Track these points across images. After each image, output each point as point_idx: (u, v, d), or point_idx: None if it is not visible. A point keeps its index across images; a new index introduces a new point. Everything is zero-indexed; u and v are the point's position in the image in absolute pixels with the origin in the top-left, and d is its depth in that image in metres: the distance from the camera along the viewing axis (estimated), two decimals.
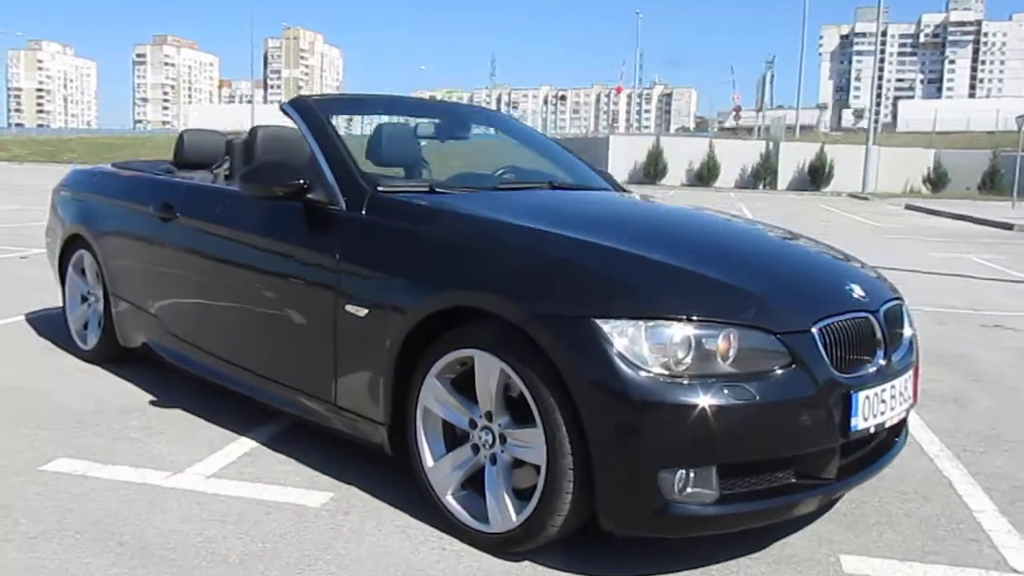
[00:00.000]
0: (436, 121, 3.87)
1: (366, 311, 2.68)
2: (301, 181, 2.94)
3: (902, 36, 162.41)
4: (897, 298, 2.78)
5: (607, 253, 2.44)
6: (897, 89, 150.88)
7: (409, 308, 2.54)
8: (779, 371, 2.21)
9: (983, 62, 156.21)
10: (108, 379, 4.12)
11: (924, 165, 37.50)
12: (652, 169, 38.40)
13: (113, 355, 4.26)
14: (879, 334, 2.50)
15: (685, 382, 2.13)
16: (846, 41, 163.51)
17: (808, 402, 2.23)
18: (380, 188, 2.94)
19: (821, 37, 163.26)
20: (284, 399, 3.10)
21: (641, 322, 2.18)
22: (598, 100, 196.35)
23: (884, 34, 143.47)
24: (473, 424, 2.48)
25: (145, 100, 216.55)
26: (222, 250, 3.36)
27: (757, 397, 2.15)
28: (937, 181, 36.75)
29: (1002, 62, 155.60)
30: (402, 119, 3.90)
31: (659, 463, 2.13)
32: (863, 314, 2.47)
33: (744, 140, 45.05)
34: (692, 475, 2.16)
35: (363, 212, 2.86)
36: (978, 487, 3.03)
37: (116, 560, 2.34)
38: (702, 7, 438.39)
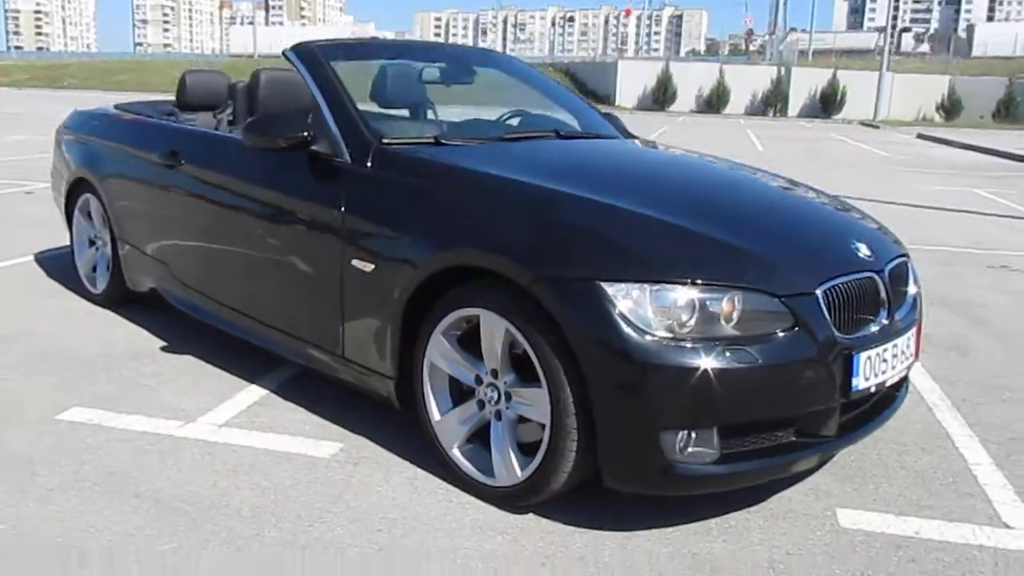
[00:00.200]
0: (441, 65, 3.81)
1: (372, 266, 2.70)
2: (305, 133, 2.92)
3: None
4: (902, 255, 2.78)
5: (612, 213, 2.43)
6: (913, 12, 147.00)
7: (414, 265, 2.55)
8: (782, 333, 2.23)
9: None
10: (118, 323, 4.17)
11: (938, 92, 36.82)
12: (661, 95, 37.86)
13: (123, 299, 4.30)
14: (883, 294, 2.50)
15: (688, 345, 2.16)
16: None
17: (810, 364, 2.25)
18: (385, 140, 2.92)
19: None
20: (292, 349, 3.13)
21: (646, 285, 2.19)
22: (607, 22, 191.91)
23: None
24: (479, 380, 2.52)
25: (145, 22, 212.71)
26: (227, 199, 3.36)
27: (759, 360, 2.18)
28: (951, 109, 36.13)
29: None
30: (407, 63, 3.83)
31: (661, 424, 2.16)
32: (868, 274, 2.47)
33: (755, 65, 44.17)
34: (694, 435, 2.20)
35: (368, 165, 2.85)
36: (975, 439, 3.08)
37: (133, 512, 2.41)
38: None
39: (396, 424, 2.94)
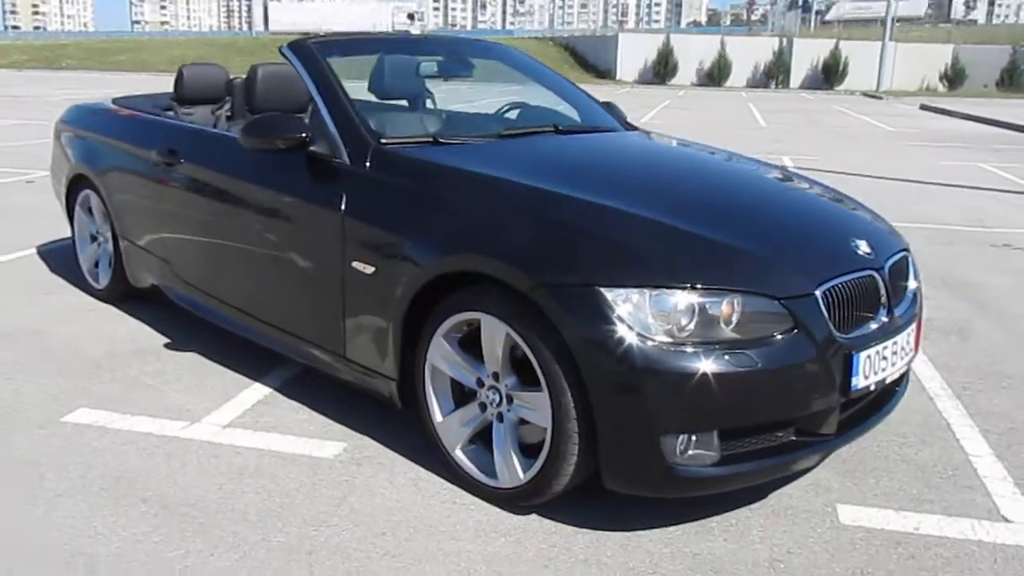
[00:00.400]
0: (439, 59, 3.80)
1: (372, 269, 2.70)
2: (303, 134, 2.92)
3: None
4: (903, 249, 2.78)
5: (611, 216, 2.43)
6: None
7: (414, 270, 2.56)
8: (781, 336, 2.24)
9: None
10: (122, 320, 4.19)
11: (942, 61, 36.55)
12: (662, 68, 37.63)
13: (125, 294, 4.31)
14: (883, 291, 2.51)
15: (688, 349, 2.16)
16: None
17: (809, 365, 2.26)
18: (383, 140, 2.92)
19: None
20: (294, 348, 3.15)
21: (646, 290, 2.20)
22: None
23: None
24: (480, 383, 2.54)
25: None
26: (227, 198, 3.36)
27: (759, 363, 2.19)
28: (954, 78, 35.88)
29: None
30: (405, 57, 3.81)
31: (662, 428, 2.18)
32: (868, 272, 2.47)
33: (756, 36, 43.81)
34: (694, 438, 2.21)
35: (366, 165, 2.85)
36: (976, 429, 3.10)
37: (140, 518, 2.44)
38: None
39: (399, 423, 2.96)
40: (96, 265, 4.50)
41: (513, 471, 2.45)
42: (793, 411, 2.30)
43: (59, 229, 5.46)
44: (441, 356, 2.59)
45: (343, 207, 2.80)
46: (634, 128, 3.80)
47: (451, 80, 3.79)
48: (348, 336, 2.86)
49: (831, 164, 10.81)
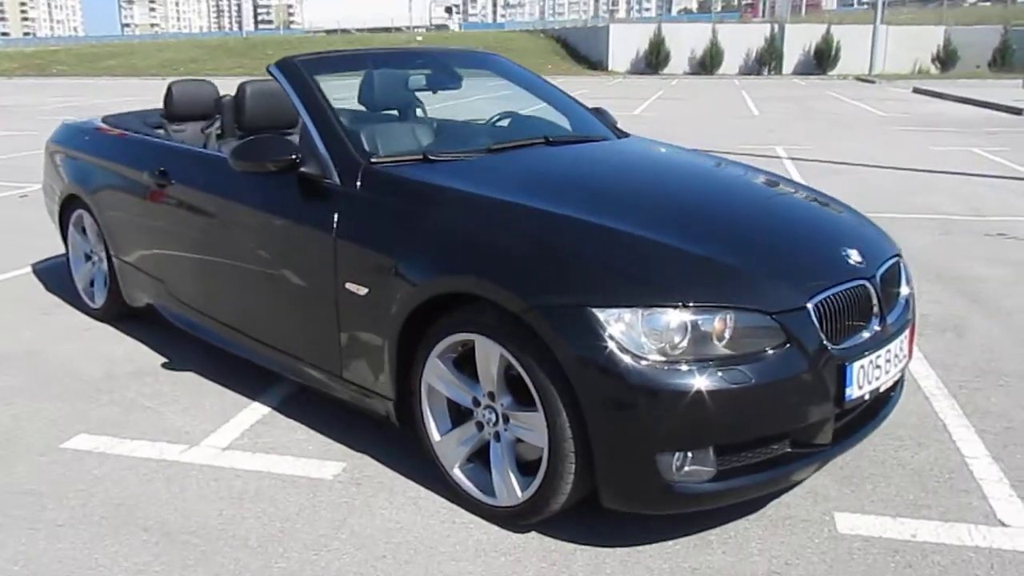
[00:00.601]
0: (427, 72, 3.80)
1: (366, 290, 2.71)
2: (293, 156, 2.92)
3: None
4: (895, 255, 2.79)
5: (602, 235, 2.44)
6: None
7: (407, 291, 2.57)
8: (774, 350, 2.25)
9: None
10: (119, 339, 4.19)
11: (934, 43, 36.46)
12: (654, 58, 37.55)
13: (121, 313, 4.32)
14: (875, 300, 2.52)
15: (682, 367, 2.17)
16: None
17: (803, 379, 2.27)
18: (373, 160, 2.92)
19: None
20: (290, 368, 3.16)
21: (638, 309, 2.20)
22: None
23: None
24: (477, 402, 2.54)
25: (131, 1, 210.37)
26: (220, 219, 3.37)
27: (752, 378, 2.19)
28: (947, 60, 35.81)
29: None
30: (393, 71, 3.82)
31: (657, 446, 2.19)
32: (859, 282, 2.48)
33: (748, 23, 43.72)
34: (689, 455, 2.23)
35: (357, 186, 2.85)
36: (972, 429, 3.11)
37: (142, 547, 2.45)
38: None
39: (397, 441, 2.97)
40: (91, 284, 4.50)
41: (511, 490, 2.46)
42: (788, 424, 2.31)
43: (53, 246, 5.45)
44: (437, 376, 2.60)
45: (335, 228, 2.81)
46: (624, 135, 3.80)
47: (440, 92, 3.79)
48: (344, 356, 2.87)
49: (825, 153, 10.82)
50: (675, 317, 2.20)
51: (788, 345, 2.26)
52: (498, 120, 3.78)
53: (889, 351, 2.53)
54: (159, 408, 3.38)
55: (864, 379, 2.42)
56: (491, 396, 2.49)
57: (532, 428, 2.37)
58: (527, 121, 3.69)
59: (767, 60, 37.12)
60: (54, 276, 5.24)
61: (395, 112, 3.86)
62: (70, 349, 4.06)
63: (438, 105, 3.98)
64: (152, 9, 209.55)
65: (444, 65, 3.88)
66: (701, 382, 2.16)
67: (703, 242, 2.46)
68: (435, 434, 2.67)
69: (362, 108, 3.67)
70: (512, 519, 2.50)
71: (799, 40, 37.11)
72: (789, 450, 2.35)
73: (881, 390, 2.53)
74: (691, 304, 2.22)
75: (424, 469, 2.76)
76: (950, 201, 7.66)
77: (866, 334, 2.48)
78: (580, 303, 2.22)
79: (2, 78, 38.70)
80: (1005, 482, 2.74)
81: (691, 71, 37.64)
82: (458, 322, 2.49)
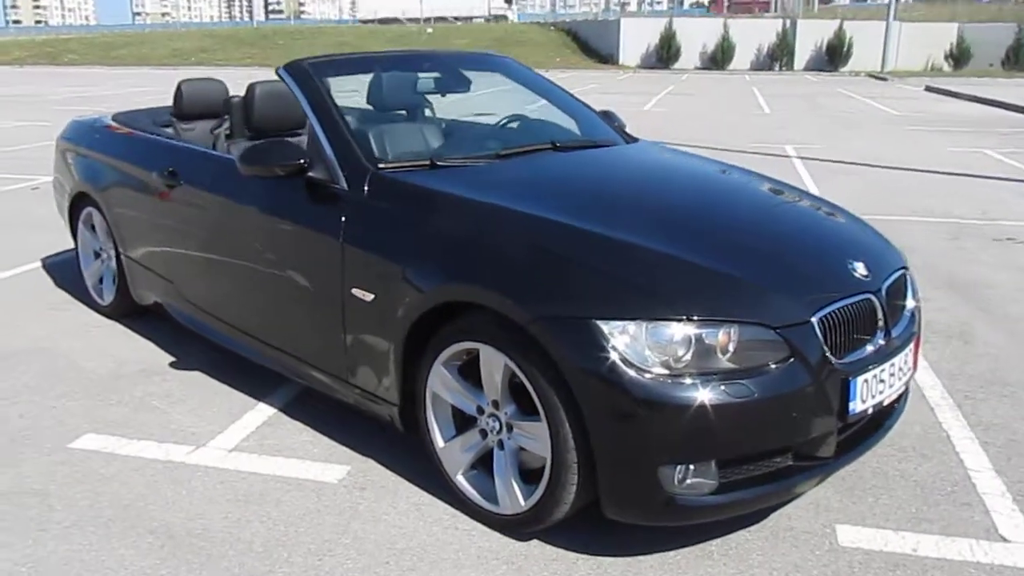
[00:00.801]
0: (436, 75, 3.80)
1: (372, 296, 2.72)
2: (301, 160, 2.94)
3: None
4: (901, 268, 2.79)
5: (607, 246, 2.44)
6: None
7: (412, 298, 2.58)
8: (777, 364, 2.25)
9: None
10: (127, 337, 4.22)
11: (947, 40, 36.20)
12: (665, 53, 37.41)
13: (130, 310, 4.34)
14: (880, 314, 2.52)
15: (685, 381, 2.18)
16: None
17: (806, 393, 2.27)
18: (381, 166, 2.93)
19: None
20: (296, 370, 3.18)
21: (642, 322, 2.21)
22: None
23: None
24: (481, 410, 2.56)
25: None
26: (228, 221, 3.39)
27: (756, 393, 2.20)
28: (960, 57, 35.54)
29: None
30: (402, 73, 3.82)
31: (659, 459, 2.20)
32: (865, 296, 2.48)
33: (759, 18, 43.49)
34: (692, 468, 2.23)
35: (364, 191, 2.86)
36: (976, 441, 3.11)
37: (148, 550, 2.47)
38: None
39: (401, 444, 2.99)
40: (100, 281, 4.53)
41: (514, 498, 2.48)
42: (790, 438, 2.31)
43: (64, 240, 5.47)
44: (441, 383, 2.62)
45: (342, 233, 2.82)
46: (633, 139, 3.80)
47: (448, 96, 3.80)
48: (349, 360, 2.89)
49: (835, 153, 10.78)
50: (679, 330, 2.21)
51: (792, 359, 2.26)
52: (506, 123, 3.79)
53: (893, 365, 2.53)
54: (167, 408, 3.41)
55: (868, 393, 2.43)
56: (495, 404, 2.51)
57: (535, 438, 2.39)
58: (535, 124, 3.70)
59: (779, 56, 36.93)
60: (64, 271, 5.28)
61: (403, 112, 3.87)
62: (79, 346, 4.09)
63: (444, 100, 3.98)
64: None
65: (452, 68, 3.88)
66: (704, 395, 2.17)
67: (708, 254, 2.46)
68: (439, 440, 2.68)
69: (370, 108, 3.68)
70: (514, 527, 2.52)
71: (811, 36, 36.90)
72: (791, 463, 2.36)
73: (885, 404, 2.54)
74: (695, 317, 2.22)
75: (428, 474, 2.78)
76: (959, 204, 7.62)
77: (870, 348, 2.48)
78: (584, 315, 2.23)
79: (14, 66, 38.83)
80: (1007, 496, 2.74)
81: (702, 66, 37.49)
82: (463, 330, 2.50)
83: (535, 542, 2.50)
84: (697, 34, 37.63)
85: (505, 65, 4.08)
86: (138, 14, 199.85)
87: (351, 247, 2.79)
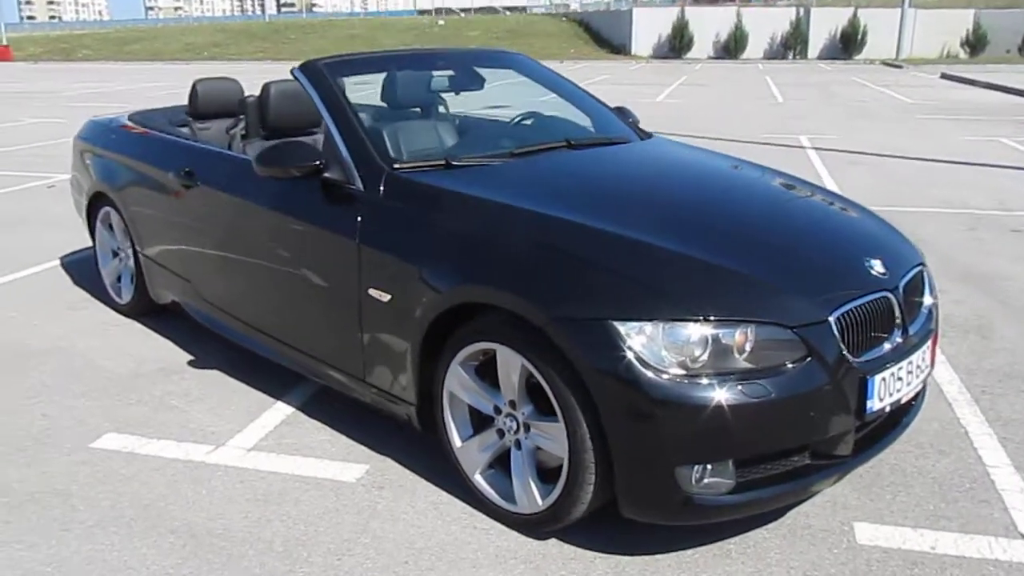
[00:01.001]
0: (449, 74, 3.80)
1: (388, 296, 2.74)
2: (317, 162, 2.95)
3: None
4: (918, 264, 2.77)
5: (623, 246, 2.45)
6: None
7: (428, 299, 2.59)
8: (794, 364, 2.25)
9: None
10: (146, 335, 4.26)
11: (963, 27, 35.86)
12: (677, 42, 37.28)
13: (148, 309, 4.38)
14: (897, 312, 2.51)
15: (702, 381, 2.18)
16: None
17: (824, 392, 2.27)
18: (396, 166, 2.94)
19: None
20: (313, 369, 3.20)
21: (659, 322, 2.21)
22: None
23: None
24: (498, 410, 2.57)
25: None
26: (245, 221, 3.41)
27: (773, 392, 2.20)
28: (976, 44, 35.21)
29: None
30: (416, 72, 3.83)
31: (677, 459, 2.20)
32: (882, 294, 2.47)
33: (772, 7, 43.17)
34: (709, 467, 2.24)
35: (380, 192, 2.87)
36: (994, 437, 3.09)
37: (170, 549, 2.50)
38: None
39: (419, 443, 3.01)
40: (119, 280, 4.57)
41: (532, 497, 2.49)
42: (808, 437, 2.31)
43: (82, 239, 5.50)
44: (459, 383, 2.63)
45: (358, 234, 2.83)
46: (647, 135, 3.79)
47: (462, 94, 3.81)
48: (366, 360, 2.90)
49: (849, 143, 10.72)
50: (696, 331, 2.21)
51: (809, 359, 2.26)
52: (520, 120, 3.79)
53: (911, 362, 2.52)
54: (186, 407, 3.44)
55: (885, 391, 2.42)
56: (512, 404, 2.52)
57: (552, 438, 2.40)
58: (549, 122, 3.70)
59: (792, 44, 36.73)
60: (82, 269, 5.32)
61: (417, 110, 3.88)
62: (97, 345, 4.13)
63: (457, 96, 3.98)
64: None
65: (466, 66, 3.88)
66: (721, 396, 2.17)
67: (724, 253, 2.46)
68: (456, 440, 2.70)
69: (384, 106, 3.68)
70: (532, 526, 2.53)
71: (825, 24, 36.65)
72: (809, 462, 2.36)
73: (902, 401, 2.53)
74: (712, 318, 2.22)
75: (446, 473, 2.79)
76: (976, 194, 7.56)
77: (888, 346, 2.47)
78: (601, 316, 2.24)
79: (29, 63, 39.07)
80: None
81: (715, 55, 37.32)
82: (480, 331, 2.51)
83: (553, 541, 2.51)
84: (710, 23, 37.45)
85: (519, 62, 4.08)
86: (151, 8, 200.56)
87: (367, 248, 2.81)
